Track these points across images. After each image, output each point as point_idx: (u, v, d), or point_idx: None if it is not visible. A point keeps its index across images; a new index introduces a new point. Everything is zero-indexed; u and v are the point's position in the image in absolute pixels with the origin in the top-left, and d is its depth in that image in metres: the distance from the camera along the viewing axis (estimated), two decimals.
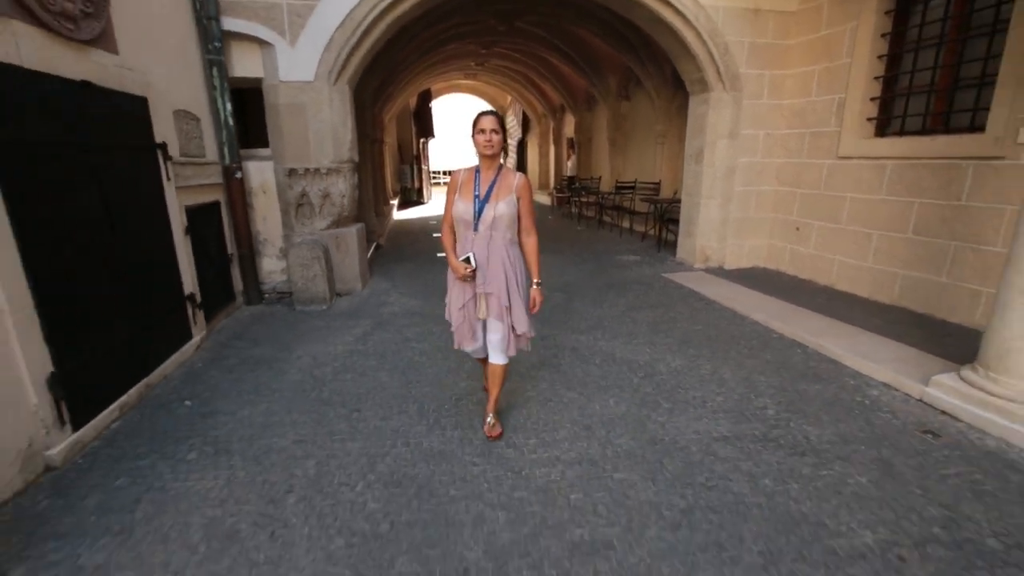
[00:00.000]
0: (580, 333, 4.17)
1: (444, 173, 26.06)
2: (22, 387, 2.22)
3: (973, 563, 1.82)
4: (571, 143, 14.23)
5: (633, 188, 9.25)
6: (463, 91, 19.31)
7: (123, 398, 2.87)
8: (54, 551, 1.88)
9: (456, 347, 2.59)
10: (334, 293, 5.16)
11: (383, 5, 4.64)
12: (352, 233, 5.28)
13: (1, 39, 2.19)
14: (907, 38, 4.59)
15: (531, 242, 2.46)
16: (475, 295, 2.44)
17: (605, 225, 10.34)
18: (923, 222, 4.39)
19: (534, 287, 2.46)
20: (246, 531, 1.98)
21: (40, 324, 2.31)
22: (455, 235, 2.48)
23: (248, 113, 5.17)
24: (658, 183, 8.90)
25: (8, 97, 2.19)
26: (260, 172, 4.92)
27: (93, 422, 2.60)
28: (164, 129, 3.55)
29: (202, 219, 4.20)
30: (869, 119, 4.90)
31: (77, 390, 2.50)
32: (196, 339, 3.83)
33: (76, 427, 2.49)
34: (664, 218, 7.65)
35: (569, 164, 14.65)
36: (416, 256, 7.67)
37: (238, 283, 4.93)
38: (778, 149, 5.91)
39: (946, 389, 2.94)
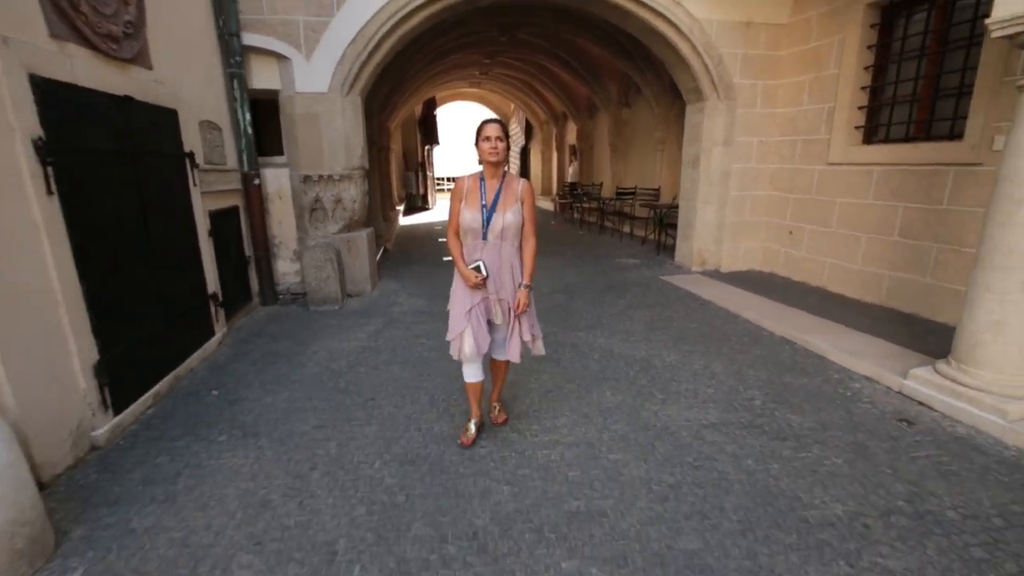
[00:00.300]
0: (580, 331, 4.39)
1: (448, 179, 26.40)
2: (73, 373, 2.46)
3: (931, 531, 2.03)
4: (573, 150, 14.49)
5: (633, 194, 9.49)
6: (467, 99, 19.63)
7: (156, 387, 3.11)
8: (107, 515, 2.10)
9: (455, 356, 2.51)
10: (346, 294, 5.39)
11: (392, 22, 4.91)
12: (363, 237, 5.52)
13: (60, 60, 2.45)
14: (891, 50, 4.82)
15: (530, 247, 2.45)
16: (484, 299, 2.45)
17: (606, 230, 10.57)
18: (908, 225, 4.59)
19: (522, 288, 2.43)
20: (277, 500, 2.20)
21: (88, 316, 2.55)
22: (461, 242, 2.46)
23: (260, 122, 5.43)
24: (658, 189, 9.13)
25: (65, 111, 2.44)
26: (276, 179, 5.18)
27: (131, 408, 2.84)
28: (191, 138, 3.80)
29: (223, 223, 4.45)
30: (857, 127, 5.12)
31: (118, 378, 2.74)
32: (218, 335, 4.07)
33: (117, 411, 2.73)
34: (663, 223, 7.87)
35: (571, 170, 14.90)
36: (422, 260, 7.91)
37: (255, 284, 5.18)
38: (771, 155, 6.13)
39: (922, 381, 3.14)
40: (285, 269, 5.47)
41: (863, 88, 5.04)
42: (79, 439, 2.47)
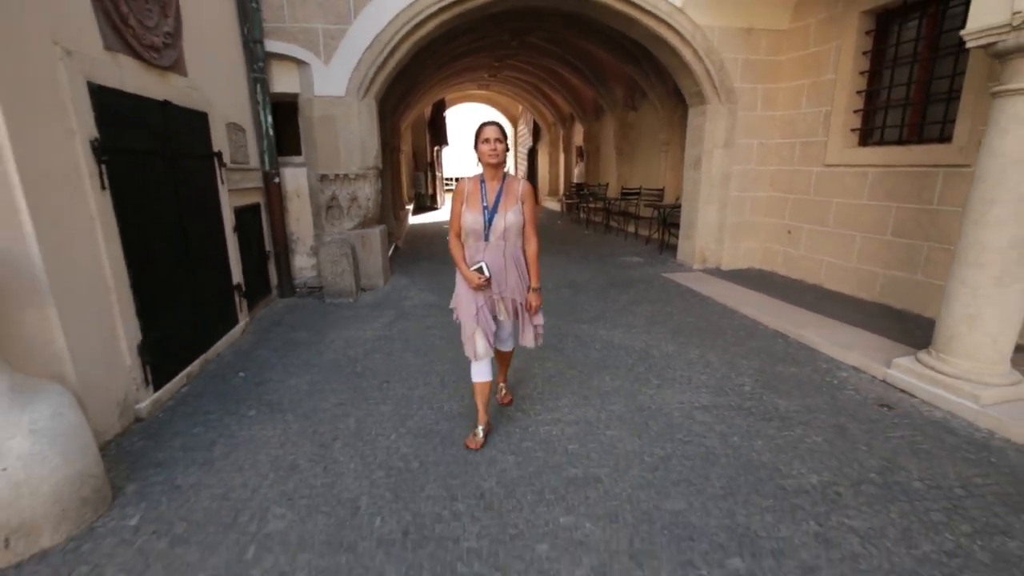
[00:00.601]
0: (583, 323, 4.61)
1: (457, 180, 26.67)
2: (120, 351, 2.72)
3: (897, 498, 2.23)
4: (580, 151, 14.70)
5: (638, 194, 9.68)
6: (476, 100, 19.90)
7: (189, 368, 3.37)
8: (154, 475, 2.36)
9: (471, 356, 2.55)
10: (359, 288, 5.65)
11: (406, 29, 5.16)
12: (376, 233, 5.78)
13: (112, 69, 2.72)
14: (885, 56, 5.00)
15: (532, 247, 2.50)
16: (488, 300, 2.50)
17: (611, 230, 10.78)
18: (900, 225, 4.77)
19: (530, 292, 2.51)
20: (304, 465, 2.45)
21: (133, 301, 2.81)
22: (462, 244, 2.50)
23: (278, 124, 5.69)
24: (662, 189, 9.32)
25: (116, 115, 2.71)
26: (295, 178, 5.45)
27: (168, 385, 3.10)
28: (219, 139, 4.08)
29: (246, 219, 4.72)
30: (852, 130, 5.30)
31: (157, 358, 3.00)
32: (241, 324, 4.34)
33: (156, 388, 2.99)
34: (666, 222, 8.07)
35: (577, 171, 15.11)
36: (432, 257, 8.16)
37: (274, 277, 5.45)
38: (771, 157, 6.31)
39: (904, 370, 3.33)
40: (302, 264, 5.74)
41: (859, 92, 5.22)
42: (125, 410, 2.73)
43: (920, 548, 1.92)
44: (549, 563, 1.85)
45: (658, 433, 2.76)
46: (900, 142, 4.86)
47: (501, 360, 2.94)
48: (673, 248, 7.60)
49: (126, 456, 2.50)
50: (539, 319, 2.63)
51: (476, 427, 2.67)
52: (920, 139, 4.68)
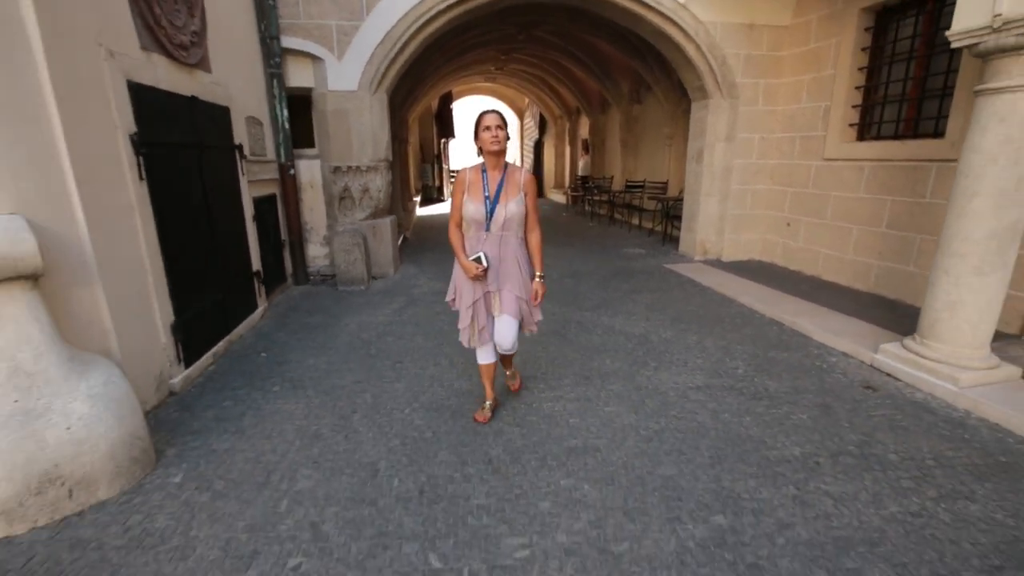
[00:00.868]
0: (585, 311, 4.80)
1: (459, 171, 26.80)
2: (156, 329, 2.95)
3: (871, 467, 2.42)
4: (585, 144, 14.81)
5: (642, 187, 9.83)
6: (483, 93, 19.99)
7: (215, 348, 3.60)
8: (191, 440, 2.59)
9: (466, 344, 2.66)
10: (371, 276, 5.87)
11: (417, 25, 5.33)
12: (386, 223, 5.99)
13: (147, 68, 2.92)
14: (883, 52, 5.12)
15: (535, 237, 2.52)
16: (485, 293, 2.52)
17: (616, 222, 10.93)
18: (895, 218, 4.92)
19: (537, 280, 2.53)
20: (327, 433, 2.67)
21: (167, 283, 3.03)
22: (462, 234, 2.52)
23: (292, 117, 5.89)
24: (666, 182, 9.46)
25: (150, 110, 2.92)
26: (309, 169, 5.65)
27: (197, 363, 3.33)
28: (239, 132, 4.28)
29: (264, 209, 4.94)
30: (851, 124, 5.43)
31: (188, 336, 3.23)
32: (260, 309, 4.57)
33: (187, 365, 3.22)
34: (669, 215, 8.22)
35: (582, 164, 15.22)
36: (439, 247, 8.36)
37: (288, 265, 5.67)
38: (772, 151, 6.45)
39: (890, 355, 3.51)
40: (315, 253, 5.95)
41: (857, 88, 5.34)
42: (160, 384, 2.96)
43: (888, 509, 2.12)
44: (551, 517, 2.06)
45: (653, 410, 2.96)
46: (896, 137, 4.99)
47: (504, 360, 2.90)
48: (676, 240, 7.76)
49: (164, 425, 2.73)
50: (538, 315, 2.64)
51: (484, 402, 2.85)
52: (915, 134, 4.82)
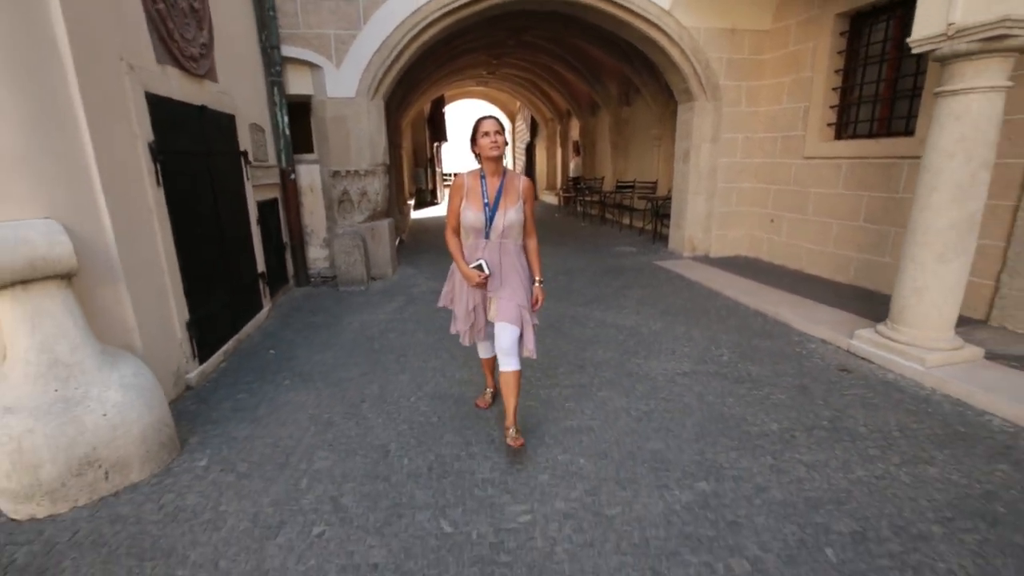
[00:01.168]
0: (578, 306, 5.01)
1: (456, 175, 27.02)
2: (174, 327, 3.12)
3: (842, 439, 2.64)
4: (576, 146, 15.05)
5: (632, 187, 10.07)
6: (475, 97, 20.21)
7: (225, 346, 3.77)
8: (212, 429, 2.76)
9: (466, 343, 2.64)
10: (370, 277, 6.04)
11: (412, 33, 5.53)
12: (384, 226, 6.17)
13: (162, 79, 3.10)
14: (858, 55, 5.38)
15: (532, 243, 2.52)
16: (484, 299, 2.50)
17: (607, 222, 11.17)
18: (871, 212, 5.17)
19: (537, 285, 2.53)
20: (339, 421, 2.85)
21: (182, 283, 3.20)
22: (460, 240, 2.48)
23: (290, 123, 6.07)
24: (655, 182, 9.71)
25: (166, 119, 3.09)
26: (309, 174, 5.82)
27: (211, 359, 3.50)
28: (244, 139, 4.45)
29: (266, 213, 5.10)
30: (829, 124, 5.69)
31: (201, 334, 3.40)
32: (265, 309, 4.73)
33: (201, 361, 3.39)
34: (659, 214, 8.46)
35: (573, 165, 15.46)
36: (434, 249, 8.56)
37: (290, 268, 5.84)
38: (755, 150, 6.70)
39: (865, 340, 3.74)
40: (316, 255, 6.12)
41: (834, 89, 5.60)
42: (178, 379, 3.13)
43: (855, 473, 2.34)
44: (550, 487, 2.26)
45: (643, 394, 3.17)
46: (871, 136, 5.25)
47: (506, 389, 2.46)
48: (665, 238, 7.99)
49: (184, 416, 2.90)
50: (533, 319, 2.52)
51: (485, 390, 3.04)
52: (888, 133, 5.08)
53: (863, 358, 3.69)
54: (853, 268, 5.45)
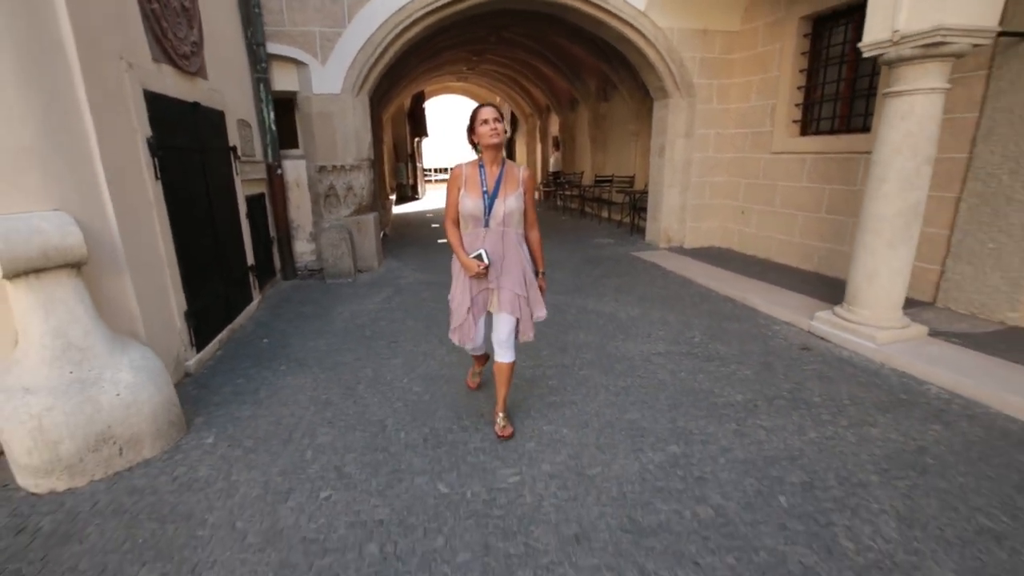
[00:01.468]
0: (559, 295, 5.24)
1: (437, 171, 27.05)
2: (173, 316, 3.24)
3: (799, 407, 2.92)
4: (556, 141, 15.29)
5: (611, 181, 10.35)
6: (454, 92, 20.26)
7: (220, 335, 3.89)
8: (215, 411, 2.91)
9: (457, 343, 2.59)
10: (357, 269, 6.17)
11: (396, 31, 5.66)
12: (370, 219, 6.30)
13: (158, 77, 3.20)
14: (820, 56, 5.71)
15: (535, 234, 2.52)
16: (484, 291, 2.46)
17: (586, 215, 11.44)
18: (832, 204, 5.51)
19: (540, 276, 2.54)
20: (337, 401, 3.03)
21: (180, 274, 3.32)
22: (459, 231, 2.44)
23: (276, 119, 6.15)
24: (633, 176, 10.00)
25: (163, 116, 3.20)
26: (295, 169, 5.92)
27: (207, 348, 3.63)
28: (232, 135, 4.55)
29: (253, 207, 5.19)
30: (794, 121, 6.02)
31: (199, 323, 3.52)
32: (256, 301, 4.85)
33: (199, 349, 3.51)
34: (636, 207, 8.74)
35: (553, 160, 15.70)
36: (418, 242, 8.70)
37: (277, 261, 5.93)
38: (727, 146, 7.02)
39: (823, 321, 4.05)
40: (302, 248, 6.22)
41: (799, 88, 5.92)
42: (178, 366, 3.26)
43: (808, 435, 2.61)
44: (536, 453, 2.48)
45: (621, 372, 3.41)
46: (832, 132, 5.59)
47: (499, 377, 2.58)
48: (642, 230, 8.28)
49: (186, 400, 3.03)
50: (542, 311, 2.53)
51: (475, 369, 3.10)
52: (847, 129, 5.41)
53: (822, 337, 4.00)
54: (817, 257, 5.80)
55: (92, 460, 2.27)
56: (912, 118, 3.35)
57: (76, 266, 2.40)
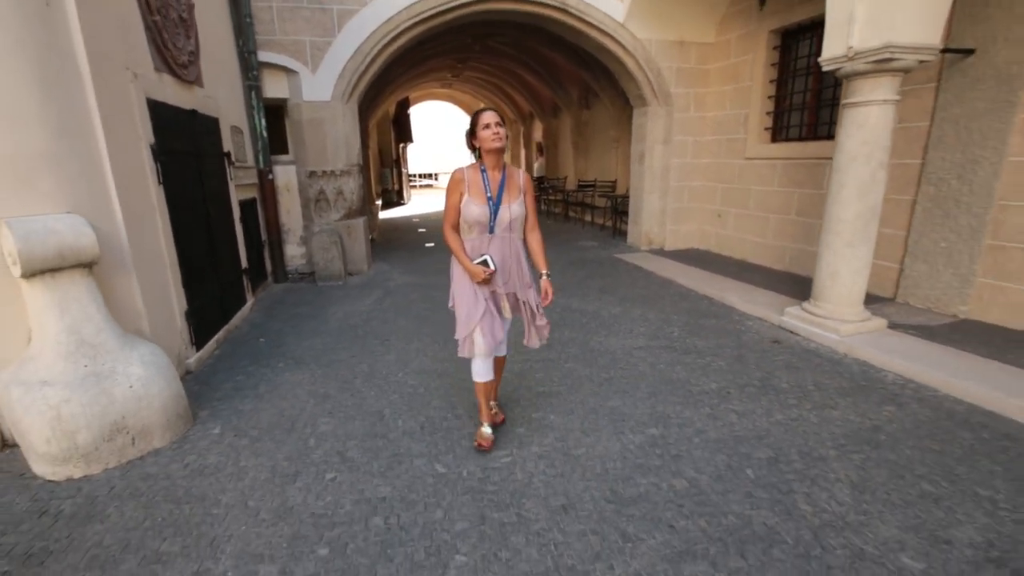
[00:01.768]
0: None
1: (422, 176, 27.16)
2: (175, 315, 3.36)
3: (768, 393, 3.16)
4: (539, 147, 15.57)
5: (593, 186, 10.63)
6: (439, 98, 20.45)
7: (217, 335, 4.01)
8: (219, 405, 3.04)
9: (466, 354, 2.45)
10: (347, 272, 6.31)
11: (384, 41, 5.84)
12: (360, 223, 6.44)
13: (160, 86, 3.34)
14: (789, 68, 6.05)
15: (537, 236, 2.48)
16: (492, 296, 2.41)
17: (570, 219, 11.70)
18: (801, 206, 5.83)
19: (544, 279, 2.45)
20: (335, 394, 3.18)
21: (181, 275, 3.45)
22: (460, 237, 2.37)
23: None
24: (614, 181, 10.29)
25: (165, 123, 3.33)
26: (285, 174, 6.04)
27: (206, 347, 3.75)
28: (226, 141, 4.67)
29: (245, 211, 5.31)
30: (766, 128, 6.34)
31: (198, 323, 3.64)
32: (249, 303, 4.96)
33: (198, 348, 3.63)
34: (618, 211, 9.02)
35: (537, 165, 15.97)
36: (405, 246, 8.85)
37: (268, 264, 6.04)
38: (703, 152, 7.33)
39: (792, 316, 4.33)
40: (293, 252, 6.34)
41: (769, 97, 6.25)
42: (179, 363, 3.37)
43: (775, 417, 2.85)
44: (526, 437, 2.67)
45: (604, 365, 3.62)
46: (800, 139, 5.91)
47: (496, 369, 2.63)
48: (624, 233, 8.55)
49: (189, 396, 3.09)
50: (543, 320, 2.53)
51: (481, 427, 2.57)
52: (814, 136, 5.74)
53: (791, 331, 4.27)
54: (788, 257, 6.11)
55: (107, 449, 2.39)
56: (867, 127, 3.65)
57: (88, 266, 2.53)
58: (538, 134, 15.53)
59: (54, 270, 2.40)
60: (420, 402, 3.08)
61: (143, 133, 3.08)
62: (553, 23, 6.75)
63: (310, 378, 3.43)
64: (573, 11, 6.38)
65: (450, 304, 2.50)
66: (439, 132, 27.83)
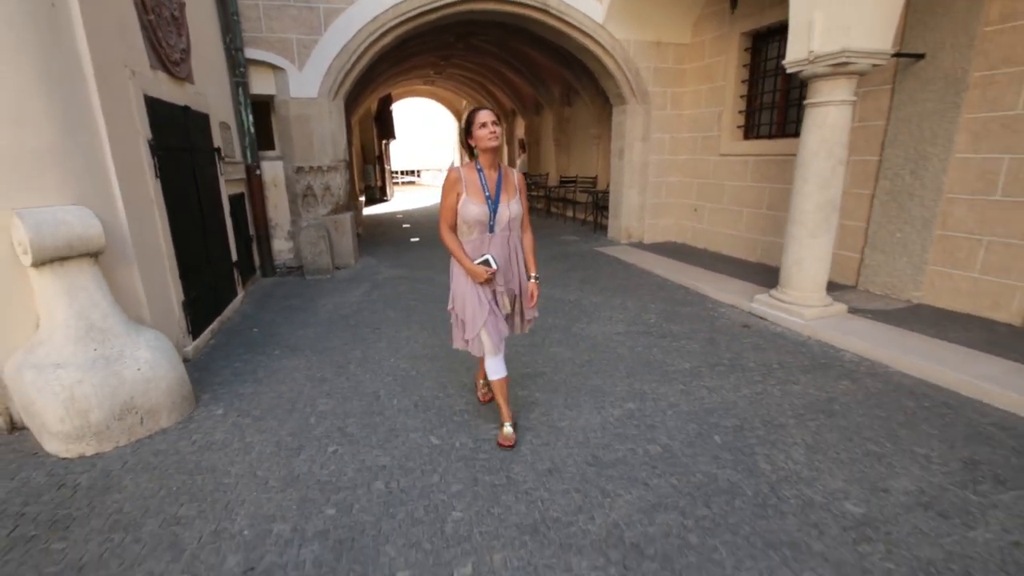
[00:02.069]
0: None
1: (404, 173, 27.13)
2: (173, 305, 3.48)
3: (735, 371, 3.42)
4: (522, 143, 15.76)
5: (575, 182, 10.87)
6: (421, 95, 20.49)
7: (212, 325, 4.12)
8: (220, 388, 3.18)
9: (477, 354, 2.49)
10: (335, 266, 6.43)
11: (370, 39, 5.97)
12: (347, 218, 6.56)
13: (155, 83, 3.44)
14: (759, 68, 6.35)
15: (530, 238, 2.52)
16: (494, 294, 2.41)
17: (552, 215, 11.93)
18: (772, 201, 6.14)
19: (532, 281, 2.48)
20: (331, 378, 3.34)
21: (178, 267, 3.56)
22: (458, 237, 2.37)
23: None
24: (595, 177, 10.55)
25: (160, 119, 3.44)
26: (272, 169, 6.13)
27: (202, 336, 3.86)
28: (216, 136, 4.76)
29: (234, 206, 5.39)
30: (738, 126, 6.64)
31: (193, 314, 3.75)
32: (240, 295, 5.06)
33: (194, 337, 3.75)
34: (599, 206, 9.27)
35: (519, 162, 16.17)
36: (391, 241, 8.98)
37: (256, 259, 6.12)
38: (680, 149, 7.62)
39: (761, 302, 4.61)
40: (280, 247, 6.43)
41: (741, 96, 6.55)
42: (178, 351, 3.49)
43: (741, 392, 3.11)
44: (513, 413, 2.87)
45: (585, 348, 3.85)
46: (770, 136, 6.22)
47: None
48: (605, 228, 8.81)
49: (190, 381, 3.28)
50: (533, 313, 2.60)
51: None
52: (783, 134, 6.05)
53: (760, 317, 4.55)
54: (760, 248, 6.42)
55: (117, 428, 2.52)
56: (827, 126, 3.93)
57: (95, 255, 2.65)
58: (520, 131, 15.72)
59: (63, 259, 2.52)
60: (413, 383, 3.26)
61: (141, 129, 3.19)
62: (535, 23, 6.94)
63: (306, 364, 3.59)
64: (554, 12, 6.59)
65: (449, 307, 2.51)
66: (422, 129, 27.85)
